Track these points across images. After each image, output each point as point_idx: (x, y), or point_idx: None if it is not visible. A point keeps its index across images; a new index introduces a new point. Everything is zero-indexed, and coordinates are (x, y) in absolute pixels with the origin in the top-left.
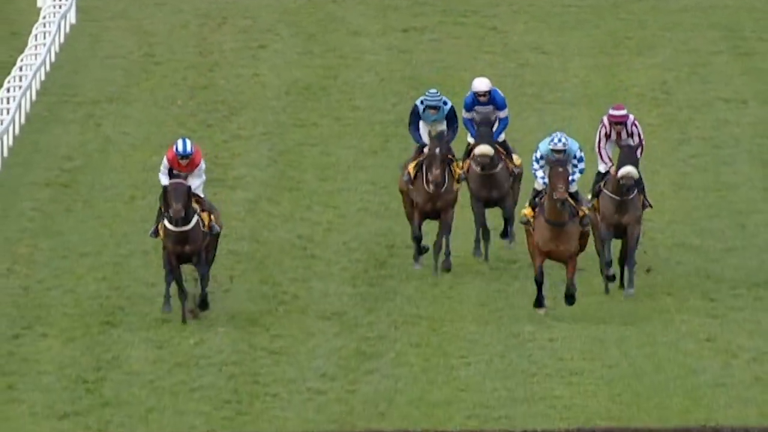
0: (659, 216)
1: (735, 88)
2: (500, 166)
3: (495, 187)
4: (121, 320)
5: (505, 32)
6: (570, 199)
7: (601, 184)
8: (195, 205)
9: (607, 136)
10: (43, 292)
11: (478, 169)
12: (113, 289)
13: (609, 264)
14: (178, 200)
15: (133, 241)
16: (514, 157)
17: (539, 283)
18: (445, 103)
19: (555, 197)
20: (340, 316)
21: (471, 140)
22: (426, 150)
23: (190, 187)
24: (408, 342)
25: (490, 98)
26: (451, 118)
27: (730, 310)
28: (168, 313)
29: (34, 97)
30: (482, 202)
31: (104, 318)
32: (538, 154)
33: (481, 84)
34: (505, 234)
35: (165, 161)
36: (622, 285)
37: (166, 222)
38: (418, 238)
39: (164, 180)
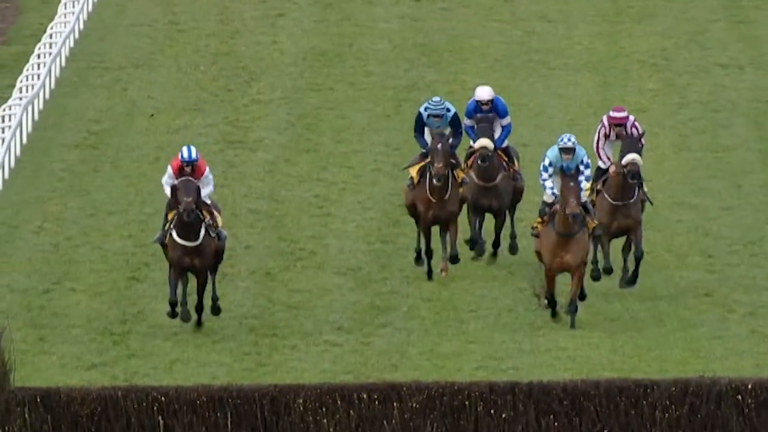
0: (659, 176)
1: (732, 55)
2: (500, 177)
3: (495, 197)
4: (146, 276)
5: (513, 1)
6: (582, 210)
7: (600, 184)
8: (205, 214)
9: (607, 137)
10: (72, 248)
11: (478, 167)
12: (139, 246)
13: (609, 271)
14: (188, 194)
15: (157, 200)
16: (516, 163)
17: (553, 305)
18: (448, 110)
19: (567, 212)
20: (354, 271)
21: (472, 144)
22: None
23: (198, 186)
24: (420, 297)
25: (492, 106)
26: (455, 124)
27: (727, 266)
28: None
29: (63, 63)
30: (480, 213)
31: (130, 273)
32: (546, 162)
33: (484, 92)
34: (495, 254)
35: (170, 170)
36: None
37: (174, 235)
38: (427, 253)
39: (168, 189)
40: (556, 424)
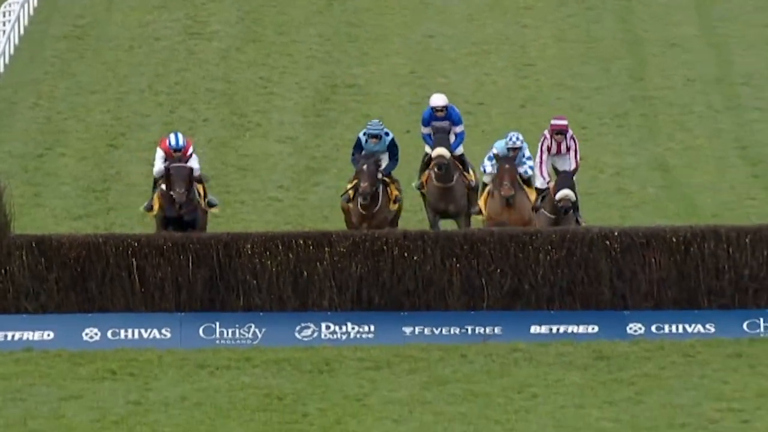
0: (542, 61)
1: None
2: (456, 177)
3: (452, 201)
4: (122, 143)
5: None
6: (520, 180)
7: (539, 201)
8: (196, 185)
9: (549, 149)
10: (61, 121)
11: (435, 174)
12: (116, 119)
13: None
14: (181, 184)
15: (131, 82)
16: (470, 173)
17: None
18: (386, 134)
19: (502, 194)
20: (293, 140)
21: (428, 150)
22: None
23: (191, 170)
24: (347, 160)
25: (447, 114)
26: (392, 148)
27: (598, 136)
28: None
29: None
30: (438, 214)
31: (109, 141)
32: (492, 152)
33: (439, 99)
34: None
35: (160, 152)
36: None
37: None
38: None
39: (160, 162)
40: (458, 265)
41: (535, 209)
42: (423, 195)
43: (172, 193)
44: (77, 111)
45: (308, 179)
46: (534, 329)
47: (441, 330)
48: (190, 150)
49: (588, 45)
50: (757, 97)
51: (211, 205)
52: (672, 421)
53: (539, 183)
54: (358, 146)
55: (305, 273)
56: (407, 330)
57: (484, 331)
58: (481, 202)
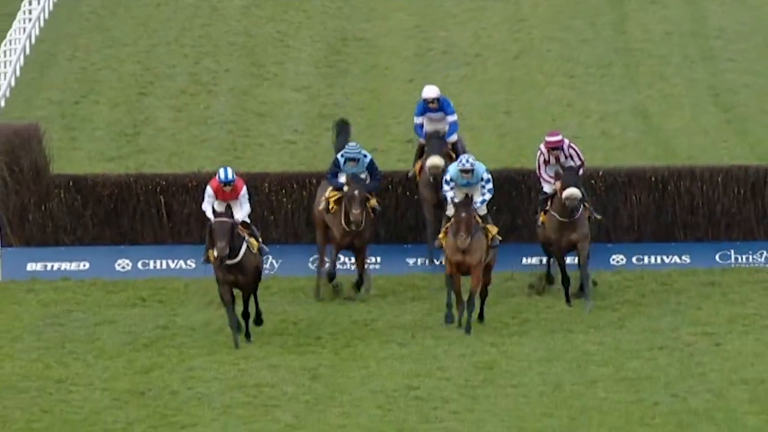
0: (534, 17)
1: None
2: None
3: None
4: (151, 91)
5: None
6: (477, 219)
7: (548, 203)
8: (242, 232)
9: (546, 162)
10: (96, 71)
11: (431, 178)
12: (146, 69)
13: (566, 281)
14: (222, 238)
15: (160, 35)
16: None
17: (449, 307)
18: (364, 156)
19: (458, 245)
20: (307, 88)
21: (422, 140)
22: (345, 189)
23: (233, 225)
24: (355, 107)
25: (440, 105)
26: (372, 169)
27: (585, 84)
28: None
29: None
30: (432, 206)
31: (139, 90)
32: (448, 177)
33: (431, 91)
34: None
35: (209, 191)
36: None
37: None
38: (331, 275)
39: (209, 212)
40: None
41: (545, 211)
42: (415, 177)
43: (214, 248)
44: (110, 62)
45: (320, 124)
46: (525, 260)
47: (441, 261)
48: (243, 191)
49: (575, 1)
50: (729, 49)
51: (262, 253)
52: (651, 344)
53: (547, 188)
54: (336, 166)
55: None
56: (410, 261)
57: None
58: (442, 238)
